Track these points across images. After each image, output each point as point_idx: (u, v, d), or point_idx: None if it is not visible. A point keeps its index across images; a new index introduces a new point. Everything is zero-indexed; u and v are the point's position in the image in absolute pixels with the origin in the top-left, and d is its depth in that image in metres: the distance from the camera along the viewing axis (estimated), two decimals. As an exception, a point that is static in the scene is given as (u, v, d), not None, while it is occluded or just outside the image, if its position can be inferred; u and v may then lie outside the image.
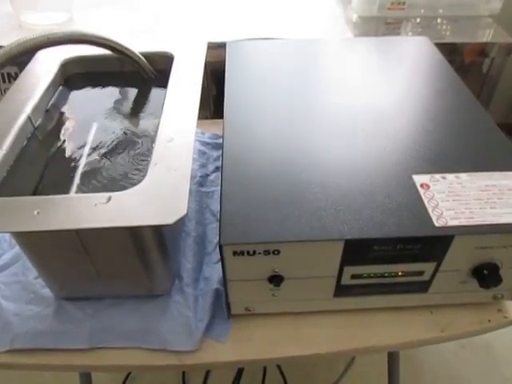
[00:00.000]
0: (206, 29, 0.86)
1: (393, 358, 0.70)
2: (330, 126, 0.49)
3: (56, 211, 0.34)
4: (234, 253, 0.38)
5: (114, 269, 0.43)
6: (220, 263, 0.40)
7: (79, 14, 0.90)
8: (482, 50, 0.81)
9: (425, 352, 0.98)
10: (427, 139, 0.47)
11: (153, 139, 0.42)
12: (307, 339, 0.45)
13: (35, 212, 0.34)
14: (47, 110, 0.51)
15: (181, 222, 0.52)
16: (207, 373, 0.92)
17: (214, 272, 0.49)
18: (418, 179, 0.42)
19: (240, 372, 0.90)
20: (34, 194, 0.42)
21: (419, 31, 0.86)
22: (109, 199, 0.35)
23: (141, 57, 0.54)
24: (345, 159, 0.45)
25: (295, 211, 0.40)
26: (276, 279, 0.41)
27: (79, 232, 0.37)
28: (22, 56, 0.41)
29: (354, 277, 0.42)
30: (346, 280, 0.42)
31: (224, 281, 0.42)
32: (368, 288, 0.43)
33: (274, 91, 0.55)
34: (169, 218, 0.33)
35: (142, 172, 0.42)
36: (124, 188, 0.37)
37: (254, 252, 0.38)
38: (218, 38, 0.75)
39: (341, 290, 0.43)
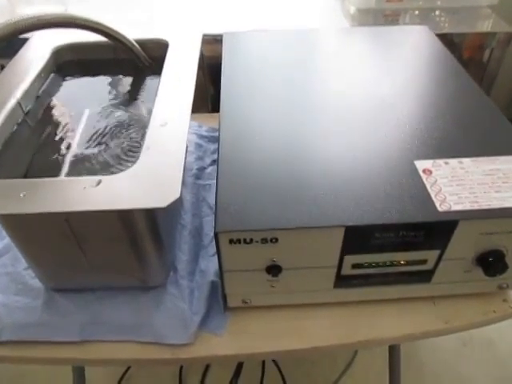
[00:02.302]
0: (201, 20, 0.85)
1: (394, 354, 0.69)
2: (329, 114, 0.48)
3: (43, 194, 0.33)
4: (230, 241, 0.37)
5: (105, 258, 0.42)
6: (216, 256, 0.39)
7: (74, 7, 0.89)
8: (481, 40, 0.80)
9: (426, 350, 0.97)
10: (429, 125, 0.46)
11: (146, 125, 0.41)
12: (306, 332, 0.44)
13: (21, 194, 0.32)
14: (38, 97, 0.50)
15: (175, 207, 0.50)
16: (205, 371, 0.90)
17: (210, 265, 0.48)
18: (420, 165, 0.41)
19: (238, 371, 0.88)
20: (24, 178, 0.40)
21: (417, 23, 0.86)
22: (99, 183, 0.34)
23: (135, 43, 0.52)
24: (345, 146, 0.44)
25: (294, 198, 0.38)
26: (274, 269, 0.40)
27: (68, 217, 0.36)
28: (11, 38, 0.40)
29: (354, 266, 0.41)
30: (347, 270, 0.41)
31: (220, 271, 0.41)
32: (369, 278, 0.42)
33: (272, 82, 0.54)
34: (161, 202, 0.32)
35: (135, 157, 0.41)
36: (116, 173, 0.36)
37: (251, 240, 0.37)
38: (213, 30, 0.74)
39: (341, 281, 0.42)
